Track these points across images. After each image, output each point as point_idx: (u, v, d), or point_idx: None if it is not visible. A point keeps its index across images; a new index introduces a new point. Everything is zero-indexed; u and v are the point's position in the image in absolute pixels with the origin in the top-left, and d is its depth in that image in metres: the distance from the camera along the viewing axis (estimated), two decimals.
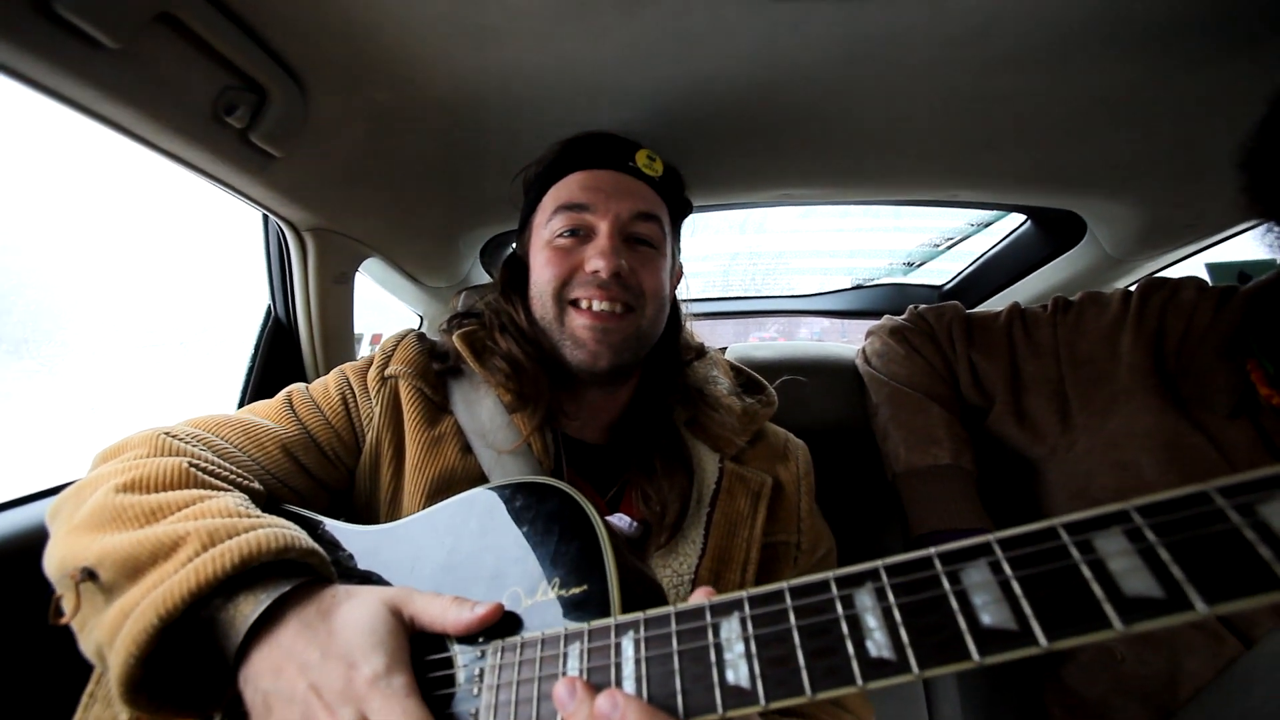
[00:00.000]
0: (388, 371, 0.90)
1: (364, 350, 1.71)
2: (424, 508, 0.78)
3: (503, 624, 0.54)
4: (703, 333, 1.11)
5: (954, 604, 0.37)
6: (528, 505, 0.61)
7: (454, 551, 0.61)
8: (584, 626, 0.48)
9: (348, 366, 0.93)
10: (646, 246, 0.92)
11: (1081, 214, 1.57)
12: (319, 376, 1.42)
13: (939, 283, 2.29)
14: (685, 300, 1.08)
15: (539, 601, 0.54)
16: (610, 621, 0.48)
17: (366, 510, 0.85)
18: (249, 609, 0.53)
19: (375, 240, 1.44)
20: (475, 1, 0.81)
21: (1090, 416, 1.00)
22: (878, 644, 0.37)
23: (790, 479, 0.96)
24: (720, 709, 0.40)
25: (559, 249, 0.90)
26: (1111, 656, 0.94)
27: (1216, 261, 1.68)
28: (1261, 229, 0.93)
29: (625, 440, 0.94)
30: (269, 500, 0.74)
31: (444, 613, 0.54)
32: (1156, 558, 0.34)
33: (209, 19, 0.76)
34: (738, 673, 0.40)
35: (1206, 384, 0.92)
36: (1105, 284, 1.76)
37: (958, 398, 1.19)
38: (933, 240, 2.15)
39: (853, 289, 2.45)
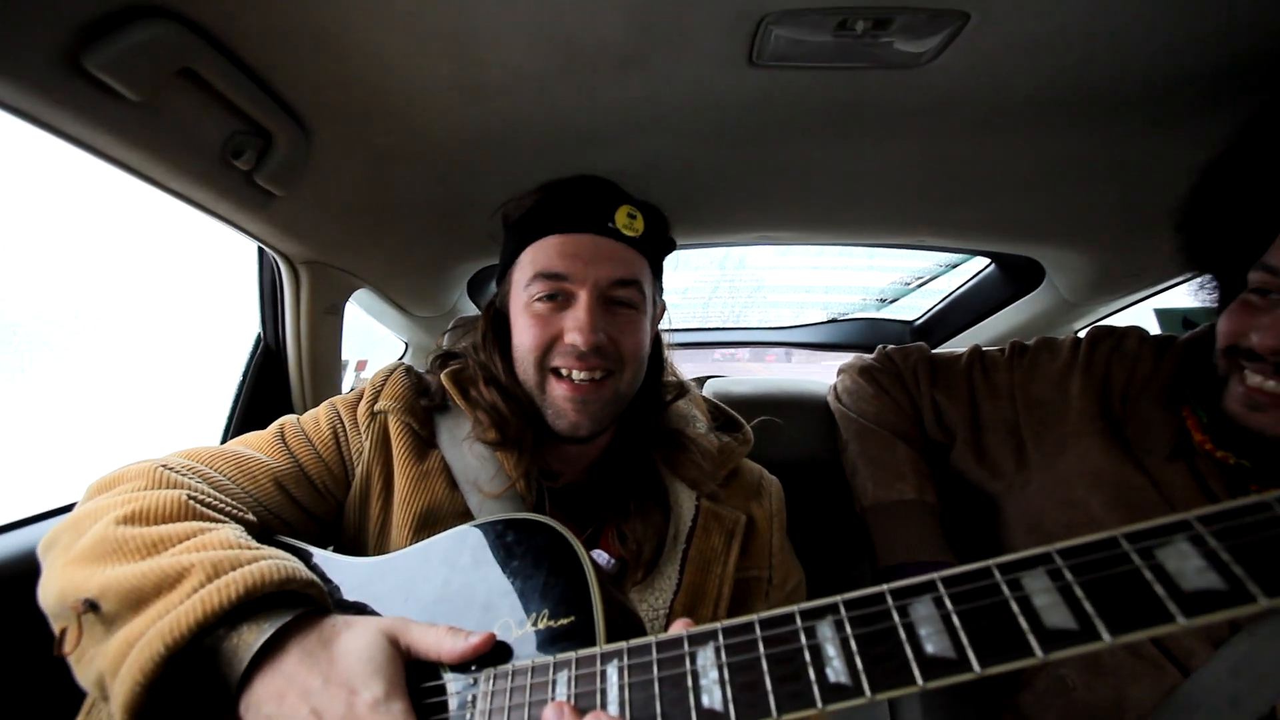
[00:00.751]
0: (377, 406, 0.91)
1: (348, 376, 1.73)
2: (411, 540, 0.80)
3: (494, 653, 0.57)
4: (680, 358, 1.11)
5: (903, 635, 0.42)
6: (518, 540, 0.64)
7: (447, 584, 0.64)
8: (571, 655, 0.52)
9: (338, 400, 0.94)
10: (626, 308, 0.92)
11: (1040, 260, 1.68)
12: (306, 404, 1.44)
13: (910, 318, 2.39)
14: (666, 330, 1.08)
15: (528, 632, 0.57)
16: (596, 650, 0.52)
17: (355, 541, 0.87)
18: (252, 638, 0.55)
19: (367, 273, 1.48)
20: (477, 62, 0.86)
21: (1043, 456, 1.06)
22: (836, 670, 0.42)
23: (763, 516, 0.99)
24: None
25: (538, 315, 0.89)
26: (1064, 685, 0.99)
27: (1164, 307, 1.79)
28: (1197, 282, 1.01)
29: (605, 479, 0.96)
30: (261, 531, 0.75)
31: (439, 642, 0.57)
32: (1073, 594, 0.39)
33: (225, 72, 0.80)
34: (712, 697, 0.45)
35: (1147, 428, 0.98)
36: (1063, 325, 1.87)
37: (922, 435, 1.24)
38: (903, 279, 2.26)
39: (828, 322, 2.54)
